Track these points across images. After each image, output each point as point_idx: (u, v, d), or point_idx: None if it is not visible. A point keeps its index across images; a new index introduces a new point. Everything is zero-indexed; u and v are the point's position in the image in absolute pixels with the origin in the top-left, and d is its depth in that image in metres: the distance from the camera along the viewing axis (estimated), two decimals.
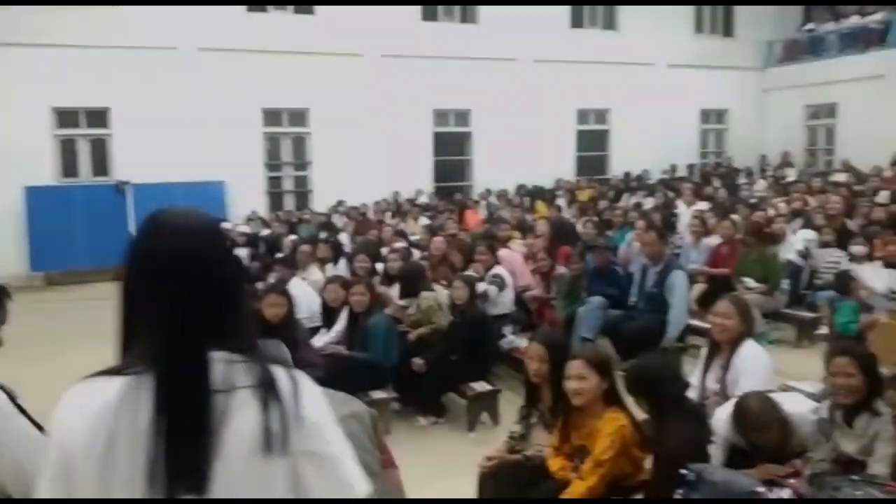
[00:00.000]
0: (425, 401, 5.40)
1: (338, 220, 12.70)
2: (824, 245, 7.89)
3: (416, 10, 15.59)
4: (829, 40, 17.78)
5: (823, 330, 7.01)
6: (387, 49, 15.07)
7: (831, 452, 3.01)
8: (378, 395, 5.10)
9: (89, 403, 1.16)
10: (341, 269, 7.50)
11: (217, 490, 1.16)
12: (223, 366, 1.21)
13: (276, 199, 15.16)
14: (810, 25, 18.87)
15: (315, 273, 7.02)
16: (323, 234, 9.65)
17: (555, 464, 3.25)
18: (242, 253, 9.22)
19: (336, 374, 5.03)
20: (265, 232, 11.52)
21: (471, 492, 3.52)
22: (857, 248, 7.08)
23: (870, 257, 6.94)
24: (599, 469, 3.00)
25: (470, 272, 6.69)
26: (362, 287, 5.55)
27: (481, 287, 6.32)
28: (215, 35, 13.64)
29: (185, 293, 1.21)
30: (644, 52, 17.37)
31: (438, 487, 3.97)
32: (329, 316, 5.81)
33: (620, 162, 17.45)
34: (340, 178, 14.60)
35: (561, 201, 13.34)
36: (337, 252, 8.00)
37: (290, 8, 14.74)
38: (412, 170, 15.48)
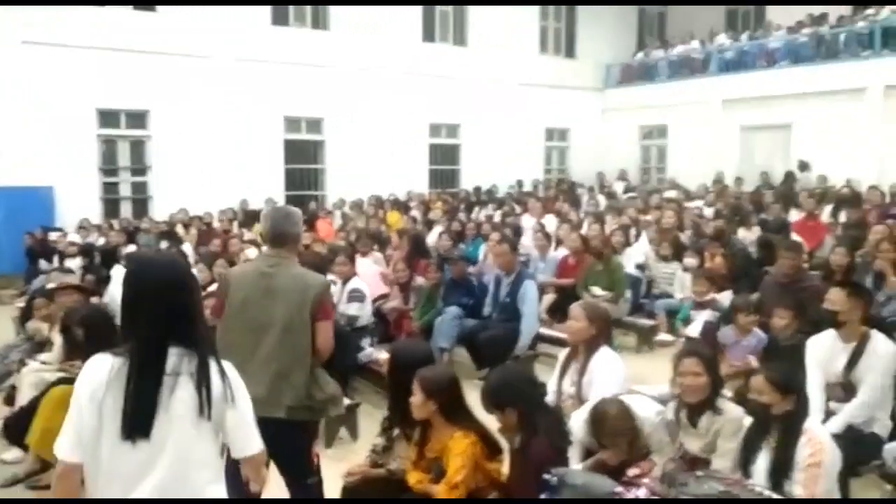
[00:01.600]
0: None
1: (180, 229, 12.05)
2: (662, 258, 8.43)
3: (265, 13, 15.17)
4: (660, 66, 19.28)
5: (662, 336, 7.56)
6: (235, 52, 14.56)
7: (678, 451, 3.21)
8: None
9: (97, 369, 2.00)
10: None
11: (155, 436, 1.96)
12: (176, 357, 2.01)
13: (111, 205, 14.12)
14: (641, 54, 20.39)
15: None
16: (164, 244, 9.11)
17: (412, 477, 3.21)
18: (74, 264, 8.46)
19: None
20: (100, 241, 10.70)
21: None
22: (689, 261, 7.67)
23: (700, 268, 7.54)
24: (455, 491, 2.99)
25: None
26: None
27: (342, 308, 6.18)
28: (46, 29, 12.55)
29: (156, 314, 2.02)
30: (493, 70, 17.96)
31: None
32: None
33: (471, 176, 17.89)
34: (183, 185, 13.85)
35: (415, 213, 13.44)
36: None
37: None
38: (262, 178, 14.98)
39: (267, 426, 2.28)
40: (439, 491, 3.00)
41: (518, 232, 9.45)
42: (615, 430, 3.06)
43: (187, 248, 9.60)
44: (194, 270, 6.69)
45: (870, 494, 3.74)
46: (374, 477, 3.36)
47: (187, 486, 2.02)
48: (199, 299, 2.24)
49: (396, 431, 3.50)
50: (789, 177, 14.78)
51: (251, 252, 8.40)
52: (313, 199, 15.72)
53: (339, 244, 8.92)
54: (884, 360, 3.75)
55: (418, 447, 3.23)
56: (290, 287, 3.19)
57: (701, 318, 6.13)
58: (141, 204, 14.38)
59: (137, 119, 14.16)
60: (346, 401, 5.14)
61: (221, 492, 2.10)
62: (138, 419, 1.94)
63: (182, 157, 14.05)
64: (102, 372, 1.98)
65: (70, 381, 4.55)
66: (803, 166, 14.71)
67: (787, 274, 5.74)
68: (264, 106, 14.95)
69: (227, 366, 2.10)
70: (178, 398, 1.97)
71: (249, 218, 13.16)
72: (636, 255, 8.64)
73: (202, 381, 1.99)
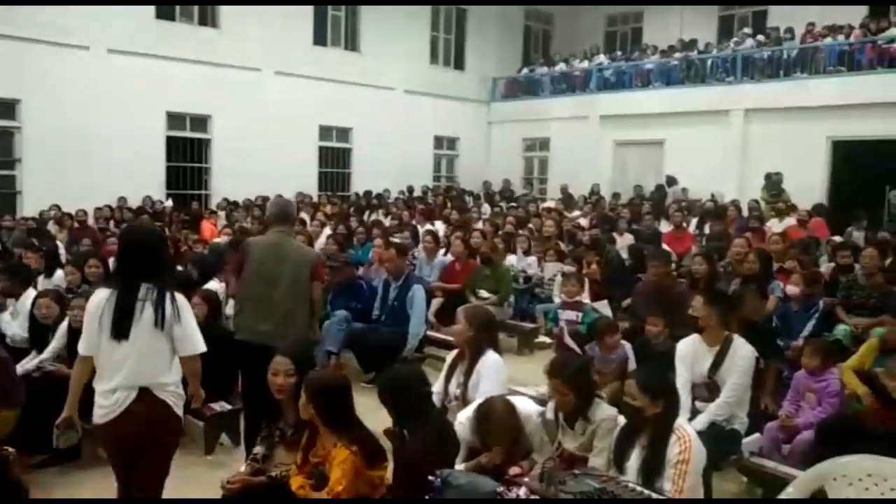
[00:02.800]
0: None
1: (52, 227, 11.32)
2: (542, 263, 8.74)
3: (151, 8, 14.56)
4: (543, 82, 19.99)
5: (542, 338, 7.84)
6: (114, 44, 13.86)
7: (556, 451, 3.36)
8: None
9: (98, 295, 3.17)
10: (57, 281, 6.68)
11: (132, 338, 3.07)
12: (144, 290, 3.11)
13: None
14: (525, 69, 21.06)
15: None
16: (34, 242, 8.53)
17: (295, 482, 3.17)
18: None
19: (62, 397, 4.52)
20: None
21: None
22: (568, 268, 8.00)
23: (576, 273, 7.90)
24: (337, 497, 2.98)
25: (212, 285, 6.37)
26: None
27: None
28: None
29: (132, 264, 3.18)
30: (384, 77, 18.03)
31: None
32: (39, 335, 5.17)
33: (361, 180, 17.85)
34: (56, 181, 13.01)
35: (304, 215, 13.22)
36: (51, 262, 7.13)
37: None
38: (142, 175, 14.31)
39: (272, 353, 3.45)
40: (322, 499, 2.99)
41: (416, 236, 9.45)
42: (500, 427, 3.16)
43: (59, 246, 9.03)
44: (62, 272, 6.57)
45: (729, 487, 4.06)
46: (254, 485, 3.29)
47: (148, 372, 3.16)
48: (164, 255, 3.61)
49: (276, 439, 3.45)
50: (660, 190, 15.69)
51: None
52: (195, 199, 15.18)
53: (219, 243, 8.70)
54: (743, 363, 4.08)
55: (304, 451, 3.20)
56: (295, 253, 4.45)
57: (565, 317, 6.43)
58: (8, 199, 13.37)
59: (5, 108, 13.19)
60: (227, 406, 5.05)
61: (171, 380, 3.21)
62: (121, 327, 3.11)
63: (56, 150, 13.22)
64: (101, 297, 3.16)
65: None
66: (671, 181, 15.65)
67: (656, 281, 6.13)
68: (146, 101, 14.32)
69: (179, 296, 3.22)
70: (145, 315, 3.11)
71: (135, 216, 12.48)
72: (520, 260, 8.90)
73: (158, 305, 3.12)
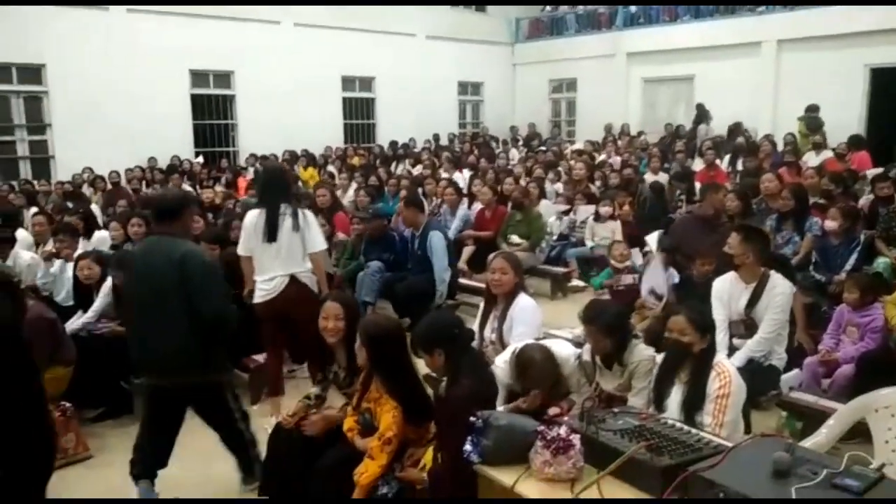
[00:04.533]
0: None
1: (86, 189, 11.50)
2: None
3: None
4: (568, 20, 19.49)
5: (575, 282, 7.85)
6: (135, 3, 13.82)
7: (594, 391, 3.40)
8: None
9: (250, 215, 4.68)
10: (96, 242, 6.82)
11: (279, 240, 4.54)
12: (283, 208, 4.58)
13: (7, 166, 13.30)
14: (549, 8, 20.52)
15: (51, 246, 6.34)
16: (70, 205, 8.69)
17: (347, 423, 3.29)
18: None
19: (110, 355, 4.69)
20: None
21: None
22: (605, 209, 7.94)
23: (612, 216, 7.85)
24: (387, 447, 3.07)
25: None
26: None
27: None
28: None
29: (273, 188, 4.72)
30: (405, 23, 17.73)
31: (224, 465, 3.87)
32: (83, 295, 5.32)
33: (387, 130, 17.75)
34: (87, 144, 13.17)
35: (332, 168, 13.27)
36: (89, 225, 7.28)
37: None
38: (169, 135, 14.41)
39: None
40: (373, 448, 3.08)
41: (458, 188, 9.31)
42: (540, 375, 3.20)
43: (95, 208, 9.19)
44: (106, 232, 6.84)
45: (768, 422, 4.07)
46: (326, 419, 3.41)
47: (292, 263, 4.57)
48: (291, 184, 5.54)
49: (330, 381, 3.57)
50: (697, 121, 15.20)
51: None
52: (223, 156, 15.27)
53: (249, 200, 8.77)
54: (780, 298, 4.05)
55: (358, 394, 3.30)
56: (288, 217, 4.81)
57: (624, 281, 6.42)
58: (42, 163, 13.59)
59: (31, 73, 13.29)
60: None
61: (306, 269, 4.64)
62: (272, 233, 4.49)
63: (83, 114, 13.32)
64: (254, 215, 4.61)
65: None
66: (702, 113, 15.17)
67: (703, 215, 6.14)
68: (168, 59, 14.29)
69: (305, 211, 4.74)
70: (285, 224, 4.51)
71: (166, 176, 12.63)
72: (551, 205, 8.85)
73: (294, 216, 4.54)
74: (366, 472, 3.05)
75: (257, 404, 5.01)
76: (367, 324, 3.23)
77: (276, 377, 4.91)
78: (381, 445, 3.07)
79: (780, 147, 11.75)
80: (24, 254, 6.09)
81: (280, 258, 4.54)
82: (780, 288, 4.08)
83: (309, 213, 4.72)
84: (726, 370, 3.07)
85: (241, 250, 4.73)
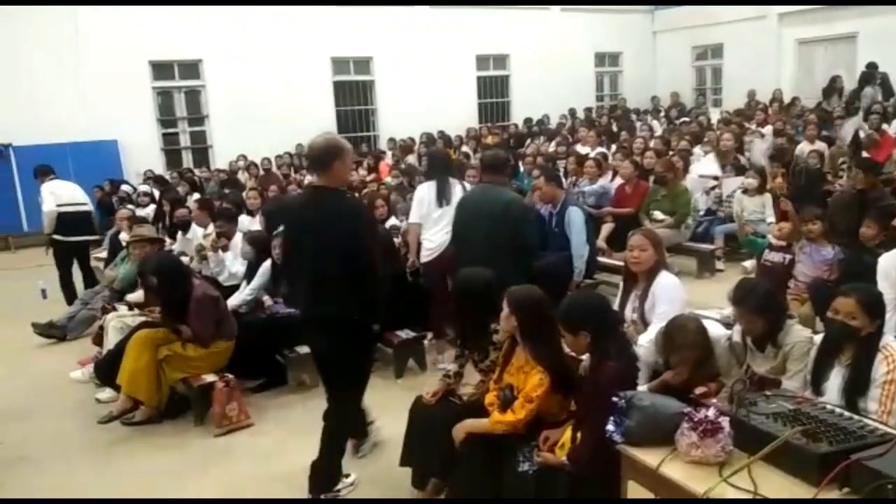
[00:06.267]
0: None
1: (241, 176, 12.29)
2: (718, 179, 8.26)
3: None
4: None
5: (720, 266, 7.49)
6: None
7: (745, 374, 3.23)
8: (304, 349, 5.05)
9: (421, 187, 5.70)
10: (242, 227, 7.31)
11: (450, 204, 5.31)
12: (451, 181, 5.51)
13: (172, 156, 14.50)
14: None
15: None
16: (227, 192, 9.35)
17: (488, 398, 3.33)
18: (147, 212, 8.76)
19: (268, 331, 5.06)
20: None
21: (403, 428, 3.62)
22: (750, 181, 7.49)
23: (761, 189, 7.38)
24: (529, 405, 3.06)
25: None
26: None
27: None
28: None
29: (440, 165, 5.76)
30: None
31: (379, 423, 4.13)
32: (247, 272, 5.76)
33: (521, 108, 17.63)
34: (239, 133, 14.09)
35: (466, 148, 13.38)
36: (238, 208, 7.81)
37: None
38: (314, 121, 14.99)
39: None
40: (515, 405, 3.10)
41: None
42: (691, 343, 3.07)
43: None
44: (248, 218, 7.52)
45: None
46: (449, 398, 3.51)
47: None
48: (452, 162, 6.35)
49: (467, 359, 3.65)
50: (859, 87, 13.95)
51: None
52: (364, 141, 15.78)
53: (388, 182, 9.03)
54: None
55: (500, 368, 3.32)
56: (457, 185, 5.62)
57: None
58: (201, 153, 14.69)
59: (190, 69, 14.36)
60: (412, 333, 5.37)
61: None
62: (443, 198, 5.34)
63: (236, 104, 14.25)
64: (424, 186, 5.54)
65: (150, 325, 4.84)
66: (869, 75, 13.88)
67: (861, 190, 5.63)
68: (312, 48, 14.95)
69: (466, 185, 5.64)
70: (455, 190, 5.36)
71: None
72: (698, 179, 8.45)
73: (460, 186, 5.49)
74: (500, 420, 3.09)
75: (401, 378, 5.21)
76: (516, 293, 3.23)
77: (440, 321, 5.43)
78: (522, 402, 3.08)
79: None
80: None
81: (447, 220, 5.16)
82: None
83: (456, 184, 5.48)
84: (895, 353, 2.84)
85: (413, 218, 5.53)
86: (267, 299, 5.50)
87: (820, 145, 9.37)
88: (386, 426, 4.15)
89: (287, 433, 4.47)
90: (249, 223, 7.24)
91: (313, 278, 3.40)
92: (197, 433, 4.61)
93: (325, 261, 3.32)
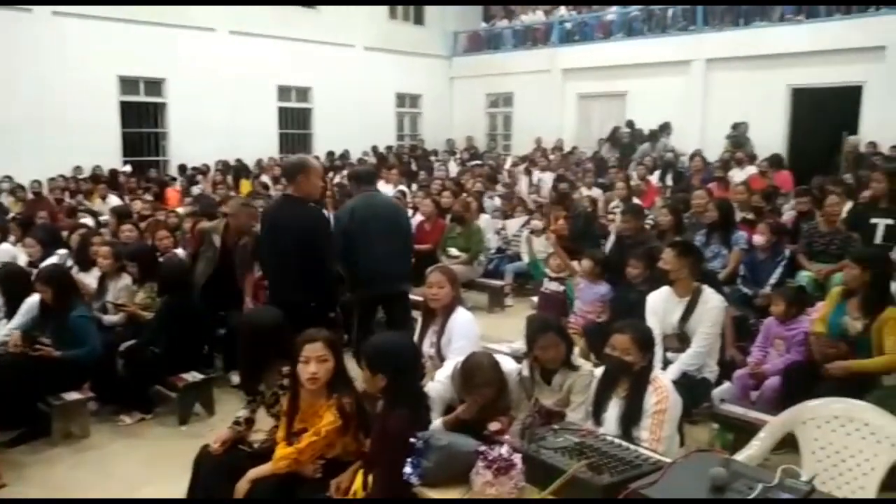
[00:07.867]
0: (128, 397, 4.93)
1: (5, 199, 10.98)
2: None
3: None
4: (505, 35, 19.75)
5: (509, 302, 7.90)
6: (61, 7, 13.29)
7: (534, 407, 3.39)
8: (72, 396, 4.54)
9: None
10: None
11: None
12: None
13: None
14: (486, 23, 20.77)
15: None
16: None
17: (278, 451, 3.12)
18: None
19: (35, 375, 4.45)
20: None
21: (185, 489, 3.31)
22: (536, 223, 8.02)
23: (545, 230, 7.92)
24: (315, 437, 2.95)
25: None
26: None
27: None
28: None
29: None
30: (342, 34, 17.67)
31: (151, 490, 3.69)
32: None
33: (324, 141, 17.57)
34: (6, 150, 12.49)
35: (265, 178, 13.02)
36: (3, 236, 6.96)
37: None
38: (96, 142, 13.87)
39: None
40: (302, 438, 2.97)
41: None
42: (487, 381, 3.15)
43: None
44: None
45: (700, 436, 4.15)
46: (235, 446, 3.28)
47: None
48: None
49: (258, 403, 3.44)
50: (627, 145, 15.63)
51: (88, 221, 7.88)
52: (153, 166, 14.81)
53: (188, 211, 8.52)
54: (713, 312, 4.15)
55: (287, 418, 3.14)
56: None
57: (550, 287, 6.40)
58: None
59: None
60: (199, 375, 5.00)
61: None
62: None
63: (6, 119, 12.64)
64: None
65: None
66: (656, 133, 15.58)
67: (629, 235, 6.18)
68: (96, 65, 13.79)
69: None
70: None
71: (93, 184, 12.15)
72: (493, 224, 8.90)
73: None
74: (282, 456, 2.96)
75: (185, 425, 4.84)
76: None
77: None
78: (310, 435, 2.96)
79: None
80: None
81: None
82: (712, 302, 4.18)
83: None
84: (663, 385, 3.11)
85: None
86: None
87: (595, 191, 10.25)
88: (168, 478, 3.77)
89: (50, 494, 3.88)
90: (4, 254, 6.44)
91: (279, 270, 4.24)
92: None
93: (287, 256, 4.12)
